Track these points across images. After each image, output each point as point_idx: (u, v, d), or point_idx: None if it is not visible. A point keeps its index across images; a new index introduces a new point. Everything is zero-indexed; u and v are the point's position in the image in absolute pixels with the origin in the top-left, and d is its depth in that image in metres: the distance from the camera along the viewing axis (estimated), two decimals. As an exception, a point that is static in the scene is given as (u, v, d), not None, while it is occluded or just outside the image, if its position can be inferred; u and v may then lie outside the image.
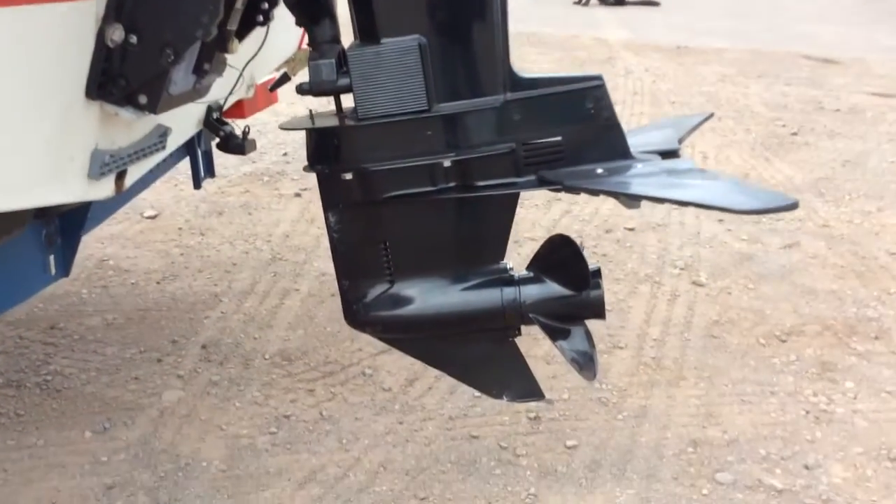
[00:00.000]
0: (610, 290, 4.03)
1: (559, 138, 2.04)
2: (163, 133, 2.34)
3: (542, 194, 5.34)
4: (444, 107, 2.01)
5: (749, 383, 3.29)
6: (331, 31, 2.06)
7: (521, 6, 14.93)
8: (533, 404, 3.10)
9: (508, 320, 2.17)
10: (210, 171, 3.52)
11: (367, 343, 3.38)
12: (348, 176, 2.07)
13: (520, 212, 5.05)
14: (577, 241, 2.31)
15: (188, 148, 3.37)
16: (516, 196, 2.13)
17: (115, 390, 3.08)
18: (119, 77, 1.95)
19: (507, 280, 2.17)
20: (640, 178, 1.99)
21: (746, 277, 4.22)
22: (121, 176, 2.26)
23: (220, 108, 2.72)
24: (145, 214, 4.77)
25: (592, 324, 3.59)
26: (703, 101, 8.06)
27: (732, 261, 4.43)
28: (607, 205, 5.20)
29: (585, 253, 2.33)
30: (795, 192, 5.48)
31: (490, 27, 1.98)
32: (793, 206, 1.78)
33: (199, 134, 3.24)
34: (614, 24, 12.90)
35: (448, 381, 3.21)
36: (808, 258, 4.47)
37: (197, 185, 3.45)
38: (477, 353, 2.29)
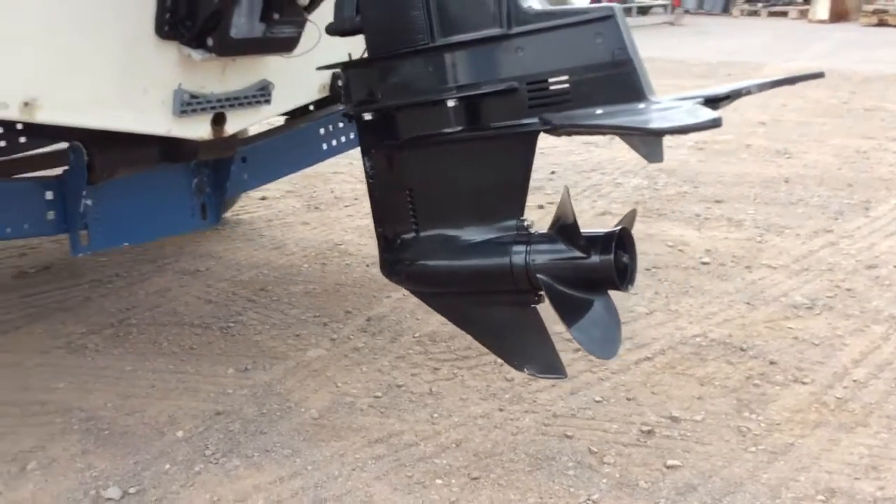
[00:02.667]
0: (830, 326, 3.46)
1: (565, 77, 1.86)
2: (264, 87, 2.59)
3: (812, 224, 4.75)
4: (446, 41, 1.95)
5: (953, 445, 2.59)
6: None
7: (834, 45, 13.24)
8: (654, 418, 2.79)
9: (518, 282, 2.01)
10: None
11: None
12: (368, 116, 2.11)
13: (773, 239, 4.56)
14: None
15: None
16: (530, 144, 1.98)
17: (275, 342, 3.39)
18: (185, 19, 2.21)
19: (521, 238, 2.02)
20: (620, 115, 1.74)
21: None
22: (218, 121, 2.54)
23: None
24: (397, 213, 5.16)
25: (785, 354, 3.13)
26: None
27: None
28: (889, 241, 4.45)
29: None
30: None
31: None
32: (714, 124, 1.44)
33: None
34: None
35: (573, 383, 3.02)
36: None
37: None
38: (499, 317, 2.15)
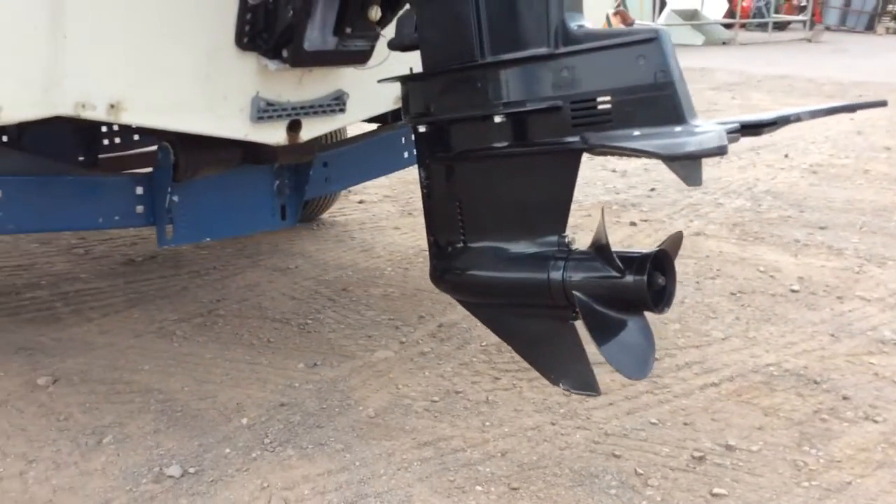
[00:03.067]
0: (919, 364, 3.31)
1: (608, 97, 1.89)
2: (339, 96, 2.71)
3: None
4: (494, 58, 2.01)
5: None
6: None
7: None
8: (708, 444, 2.76)
9: (555, 297, 2.05)
10: None
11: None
12: (422, 128, 2.19)
13: (872, 270, 4.37)
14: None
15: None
16: (574, 162, 2.01)
17: (347, 341, 3.53)
18: (263, 31, 2.37)
19: (560, 254, 2.05)
20: (654, 137, 1.75)
21: None
22: (293, 127, 2.69)
23: None
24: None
25: (861, 390, 3.06)
26: None
27: None
28: None
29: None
30: None
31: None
32: (719, 151, 1.44)
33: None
34: None
35: (632, 403, 3.02)
36: None
37: None
38: (538, 331, 2.19)
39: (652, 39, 1.83)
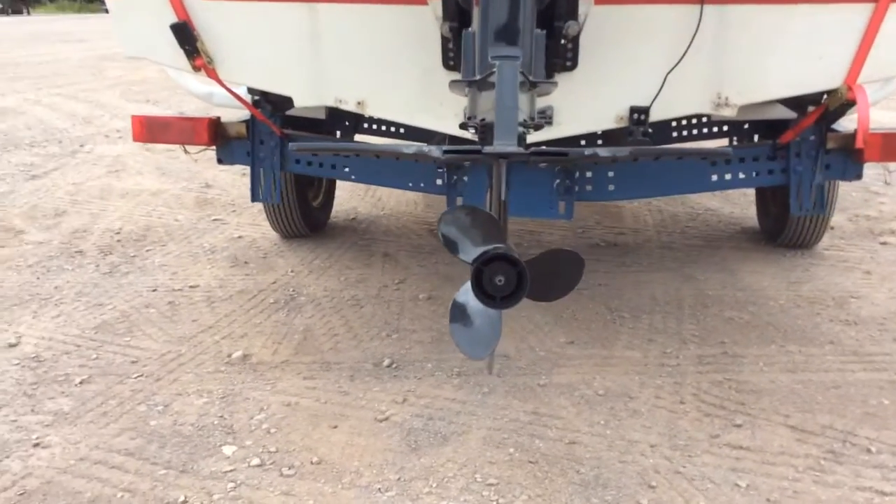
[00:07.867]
0: None
1: (483, 119, 2.69)
2: (543, 110, 3.47)
3: None
4: (468, 78, 2.94)
5: None
6: None
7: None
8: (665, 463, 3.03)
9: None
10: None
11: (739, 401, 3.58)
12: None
13: None
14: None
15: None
16: (489, 166, 2.75)
17: (597, 332, 4.36)
18: (455, 57, 3.50)
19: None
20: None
21: None
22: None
23: (644, 111, 3.54)
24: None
25: None
26: None
27: None
28: None
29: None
30: None
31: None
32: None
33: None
34: None
35: (709, 445, 3.36)
36: None
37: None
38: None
39: (492, 74, 2.63)
